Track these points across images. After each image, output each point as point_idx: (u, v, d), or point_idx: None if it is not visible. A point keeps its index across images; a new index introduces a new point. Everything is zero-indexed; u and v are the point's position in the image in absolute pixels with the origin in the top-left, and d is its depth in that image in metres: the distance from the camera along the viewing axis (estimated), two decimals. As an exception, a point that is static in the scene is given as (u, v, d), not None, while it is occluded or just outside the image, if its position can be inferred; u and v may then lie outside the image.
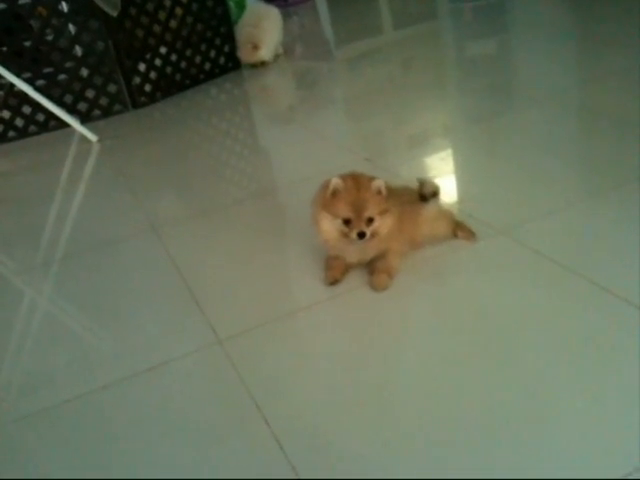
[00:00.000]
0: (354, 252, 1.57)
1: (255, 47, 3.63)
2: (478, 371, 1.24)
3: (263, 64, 3.73)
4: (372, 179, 1.52)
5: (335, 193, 1.51)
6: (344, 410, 1.20)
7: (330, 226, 1.54)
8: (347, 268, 1.61)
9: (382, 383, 1.25)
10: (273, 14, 3.81)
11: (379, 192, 1.51)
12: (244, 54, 3.70)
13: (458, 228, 1.69)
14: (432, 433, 1.12)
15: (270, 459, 1.12)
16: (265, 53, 3.69)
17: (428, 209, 1.65)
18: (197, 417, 1.26)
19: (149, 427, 1.26)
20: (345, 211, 1.50)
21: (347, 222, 1.50)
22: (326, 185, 1.53)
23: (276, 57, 3.85)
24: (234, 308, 1.58)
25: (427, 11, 4.61)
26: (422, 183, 1.67)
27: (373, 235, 1.51)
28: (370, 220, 1.50)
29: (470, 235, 1.68)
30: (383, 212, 1.52)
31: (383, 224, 1.53)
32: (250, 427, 1.20)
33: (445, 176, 2.11)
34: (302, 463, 1.10)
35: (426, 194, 1.64)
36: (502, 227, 1.68)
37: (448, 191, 1.97)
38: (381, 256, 1.58)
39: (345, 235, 1.51)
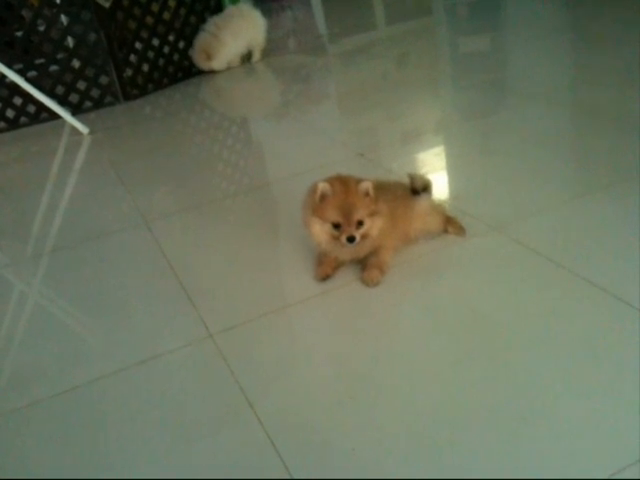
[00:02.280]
0: (346, 252, 1.57)
1: (208, 56, 3.58)
2: (470, 367, 1.24)
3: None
4: (359, 181, 1.51)
5: (323, 197, 1.50)
6: (335, 405, 1.20)
7: (321, 230, 1.53)
8: (339, 264, 1.61)
9: (373, 378, 1.25)
10: (245, 19, 3.69)
11: (367, 194, 1.50)
12: (197, 60, 3.63)
13: (449, 223, 1.69)
14: (424, 429, 1.12)
15: (261, 453, 1.11)
16: (216, 64, 3.62)
17: (420, 203, 1.64)
18: (188, 411, 1.25)
19: (139, 421, 1.25)
20: (334, 215, 1.49)
21: (337, 226, 1.49)
22: (314, 189, 1.52)
23: (249, 59, 3.79)
24: (225, 302, 1.57)
25: (421, 7, 4.61)
26: (413, 178, 1.67)
27: (364, 237, 1.51)
28: (360, 223, 1.49)
29: (460, 230, 1.68)
30: (372, 214, 1.51)
31: (373, 226, 1.52)
32: (241, 421, 1.19)
33: (439, 172, 2.10)
34: (292, 457, 1.09)
35: (418, 188, 1.64)
36: (496, 224, 1.68)
37: (442, 187, 1.97)
38: (373, 252, 1.57)
39: (336, 238, 1.51)
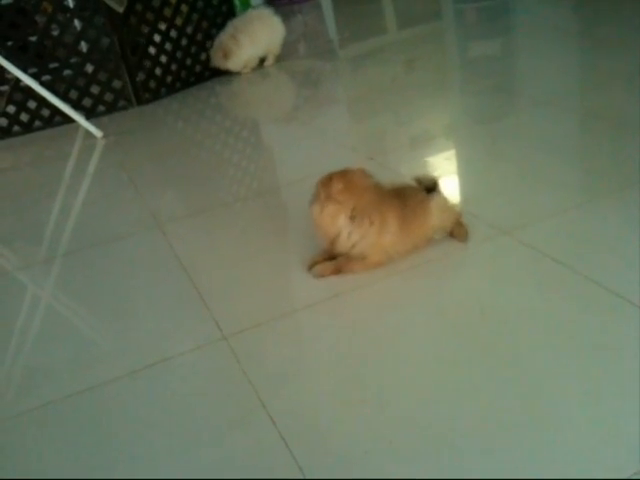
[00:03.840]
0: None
1: (225, 55, 3.61)
2: (479, 371, 1.25)
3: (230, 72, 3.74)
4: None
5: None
6: (347, 407, 1.21)
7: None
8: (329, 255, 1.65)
9: (384, 381, 1.26)
10: (265, 24, 3.73)
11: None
12: (214, 58, 3.67)
13: (457, 225, 1.70)
14: (434, 433, 1.13)
15: (274, 454, 1.13)
16: (232, 64, 3.65)
17: (436, 199, 1.66)
18: (201, 413, 1.27)
19: (152, 423, 1.27)
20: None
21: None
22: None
23: (262, 63, 3.81)
24: (238, 305, 1.59)
25: (431, 12, 4.62)
26: (420, 179, 1.70)
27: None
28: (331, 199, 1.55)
29: (464, 236, 1.68)
30: (352, 217, 1.55)
31: (354, 232, 1.56)
32: (255, 424, 1.21)
33: (448, 176, 2.12)
34: (305, 458, 1.11)
35: (429, 187, 1.67)
36: (505, 227, 1.69)
37: (451, 191, 1.98)
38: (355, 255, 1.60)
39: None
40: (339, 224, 1.56)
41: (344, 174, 1.58)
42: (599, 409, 1.12)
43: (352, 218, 1.55)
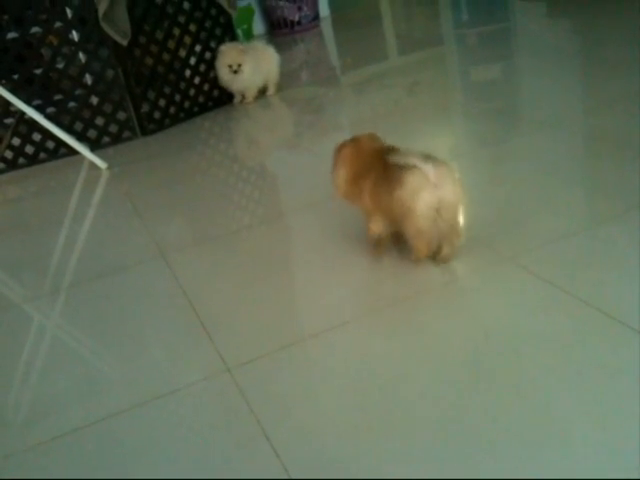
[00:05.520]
0: None
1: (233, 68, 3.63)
2: (486, 398, 1.24)
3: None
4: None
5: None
6: (353, 437, 1.20)
7: None
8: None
9: (390, 409, 1.25)
10: (260, 54, 3.74)
11: None
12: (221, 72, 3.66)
13: (450, 231, 1.60)
14: (441, 460, 1.12)
15: (279, 488, 1.12)
16: (240, 80, 3.66)
17: (416, 174, 1.55)
18: (205, 447, 1.26)
19: (157, 456, 1.26)
20: None
21: None
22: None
23: (263, 93, 3.82)
24: (243, 335, 1.58)
25: (432, 37, 4.66)
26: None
27: None
28: None
29: (449, 253, 1.65)
30: None
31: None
32: (259, 457, 1.20)
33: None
34: (311, 492, 1.10)
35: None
36: (509, 253, 1.69)
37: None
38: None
39: None
40: (344, 185, 1.74)
41: (353, 140, 1.75)
42: (605, 434, 1.11)
43: (352, 180, 1.71)
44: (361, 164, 1.70)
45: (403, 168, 1.55)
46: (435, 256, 1.66)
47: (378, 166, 1.64)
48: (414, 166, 1.54)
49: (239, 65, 3.57)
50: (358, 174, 1.70)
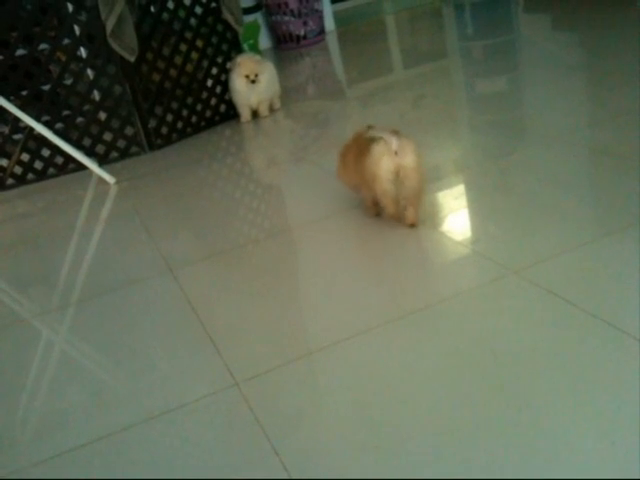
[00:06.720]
0: None
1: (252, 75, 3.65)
2: (492, 412, 1.24)
3: None
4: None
5: None
6: (360, 452, 1.20)
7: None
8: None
9: (397, 425, 1.25)
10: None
11: None
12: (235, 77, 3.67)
13: (413, 196, 1.92)
14: (451, 476, 1.11)
15: (287, 503, 1.12)
16: (256, 91, 3.67)
17: (380, 144, 1.87)
18: (214, 462, 1.26)
19: (165, 471, 1.26)
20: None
21: None
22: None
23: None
24: (251, 349, 1.59)
25: (437, 50, 4.69)
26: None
27: None
28: None
29: (413, 215, 1.95)
30: None
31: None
32: (268, 472, 1.20)
33: (457, 214, 2.12)
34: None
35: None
36: (515, 267, 1.69)
37: (461, 230, 1.98)
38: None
39: None
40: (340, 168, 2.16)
41: (358, 132, 2.04)
42: (614, 449, 1.10)
43: (342, 162, 2.12)
44: (349, 147, 2.07)
45: (372, 140, 1.88)
46: (402, 219, 1.97)
47: (358, 143, 1.97)
48: (380, 138, 1.86)
49: (256, 75, 3.59)
50: (345, 154, 2.09)
